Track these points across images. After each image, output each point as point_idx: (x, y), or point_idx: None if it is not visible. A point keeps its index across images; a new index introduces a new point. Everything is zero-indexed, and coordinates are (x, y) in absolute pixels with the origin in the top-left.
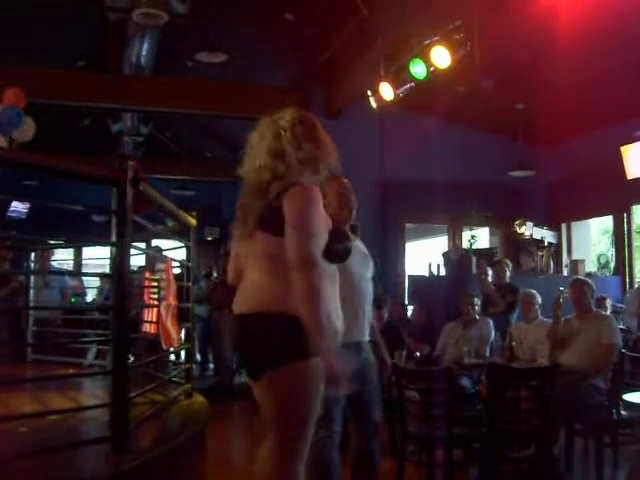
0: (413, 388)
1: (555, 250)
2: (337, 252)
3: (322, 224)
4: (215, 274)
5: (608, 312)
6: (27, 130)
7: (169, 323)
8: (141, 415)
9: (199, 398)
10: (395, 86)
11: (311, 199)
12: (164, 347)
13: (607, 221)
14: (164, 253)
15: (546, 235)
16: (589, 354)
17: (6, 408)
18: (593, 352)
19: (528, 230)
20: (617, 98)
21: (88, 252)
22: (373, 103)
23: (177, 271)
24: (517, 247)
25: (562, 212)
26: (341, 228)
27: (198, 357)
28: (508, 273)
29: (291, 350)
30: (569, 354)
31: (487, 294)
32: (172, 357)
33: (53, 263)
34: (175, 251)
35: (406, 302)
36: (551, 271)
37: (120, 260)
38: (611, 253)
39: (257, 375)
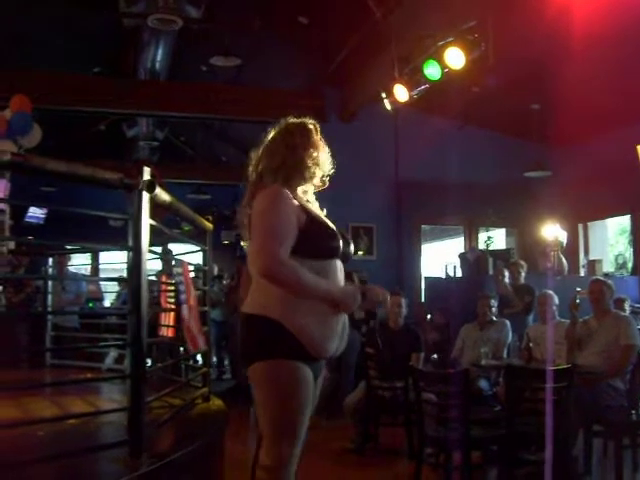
0: (430, 390)
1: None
2: (320, 249)
3: (286, 223)
4: (226, 277)
5: (627, 313)
6: (34, 136)
7: (193, 326)
8: (159, 419)
9: (217, 401)
10: (409, 87)
11: (271, 200)
12: (191, 351)
13: (624, 221)
14: (180, 257)
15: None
16: (607, 355)
17: (25, 412)
18: (611, 353)
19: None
20: (633, 97)
21: (105, 257)
22: (387, 105)
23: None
24: (533, 248)
25: (579, 212)
26: (324, 226)
27: (214, 360)
28: (523, 274)
29: (264, 349)
30: (587, 355)
31: (504, 295)
32: (190, 361)
33: (70, 268)
34: (192, 255)
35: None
36: (565, 272)
37: (136, 264)
38: (629, 253)
39: (245, 368)
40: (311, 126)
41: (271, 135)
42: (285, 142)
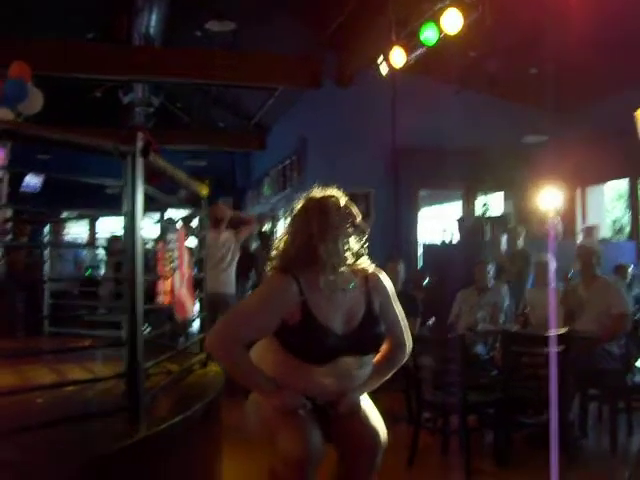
0: (428, 355)
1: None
2: (308, 353)
3: (262, 315)
4: None
5: (628, 280)
6: (34, 103)
7: (183, 294)
8: (157, 385)
9: (214, 367)
10: (407, 51)
11: (265, 288)
12: (178, 319)
13: (622, 186)
14: (177, 221)
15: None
16: (600, 322)
17: (24, 380)
18: (604, 321)
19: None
20: (632, 61)
21: (103, 226)
22: (384, 69)
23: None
24: (530, 213)
25: (577, 177)
26: (320, 330)
27: None
28: (522, 240)
29: None
30: (582, 322)
31: (498, 262)
32: (187, 328)
33: (67, 236)
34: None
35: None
36: (561, 236)
37: (131, 230)
38: (626, 218)
39: None
40: (331, 206)
41: (293, 215)
42: (302, 229)
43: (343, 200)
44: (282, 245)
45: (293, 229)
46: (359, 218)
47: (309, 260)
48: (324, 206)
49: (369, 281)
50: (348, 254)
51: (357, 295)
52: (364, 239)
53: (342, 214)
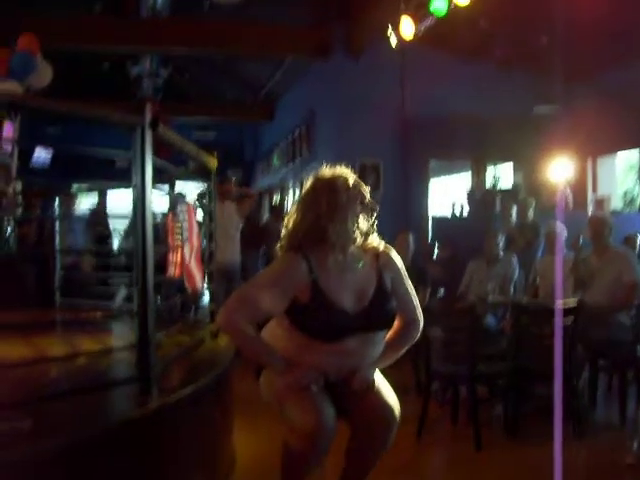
0: (437, 326)
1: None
2: (317, 331)
3: (275, 291)
4: None
5: (637, 250)
6: (43, 76)
7: (193, 265)
8: (168, 356)
9: (224, 338)
10: (416, 22)
11: (276, 266)
12: (188, 290)
13: (633, 156)
14: (186, 195)
15: None
16: (611, 292)
17: (37, 351)
18: (615, 290)
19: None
20: None
21: (114, 198)
22: (394, 40)
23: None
24: (540, 183)
25: (588, 147)
26: (330, 308)
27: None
28: (531, 211)
29: None
30: (592, 292)
31: (508, 234)
32: (198, 299)
33: (77, 209)
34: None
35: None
36: (570, 207)
37: (140, 201)
38: (637, 189)
39: None
40: (340, 186)
41: (302, 194)
42: (311, 209)
43: (352, 179)
44: (291, 224)
45: (302, 209)
46: (368, 197)
47: (318, 239)
48: (333, 186)
49: (380, 258)
50: (357, 234)
51: (368, 273)
52: (373, 218)
53: (351, 194)
